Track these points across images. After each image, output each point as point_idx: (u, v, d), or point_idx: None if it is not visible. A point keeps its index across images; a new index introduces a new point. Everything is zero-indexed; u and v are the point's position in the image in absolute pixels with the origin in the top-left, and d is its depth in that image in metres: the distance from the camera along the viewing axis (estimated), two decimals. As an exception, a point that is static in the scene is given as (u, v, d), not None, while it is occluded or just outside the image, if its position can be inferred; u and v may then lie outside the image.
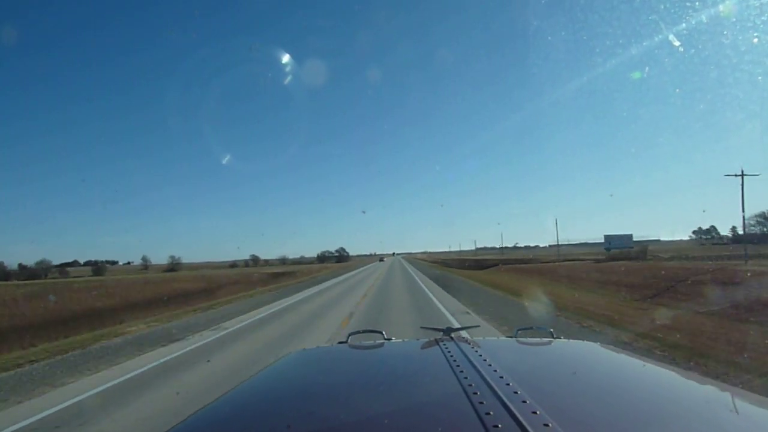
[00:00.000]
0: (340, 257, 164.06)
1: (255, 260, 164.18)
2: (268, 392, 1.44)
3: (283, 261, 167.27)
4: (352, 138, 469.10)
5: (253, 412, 1.22)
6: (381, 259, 75.52)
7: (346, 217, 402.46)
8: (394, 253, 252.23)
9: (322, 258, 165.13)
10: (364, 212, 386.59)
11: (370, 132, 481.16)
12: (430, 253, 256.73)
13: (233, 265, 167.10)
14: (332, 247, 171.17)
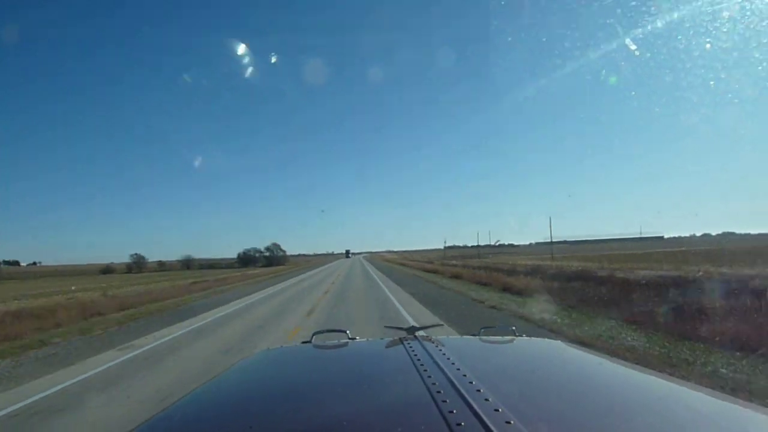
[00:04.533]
0: (272, 258, 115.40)
1: (138, 263, 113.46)
2: (230, 394, 1.43)
3: (187, 264, 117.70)
4: (317, 137, 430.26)
5: (214, 414, 1.23)
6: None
7: (305, 216, 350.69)
8: (348, 253, 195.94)
9: (246, 259, 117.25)
10: (323, 211, 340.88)
11: (335, 132, 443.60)
12: (399, 252, 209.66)
13: (107, 269, 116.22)
14: (295, 245, 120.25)
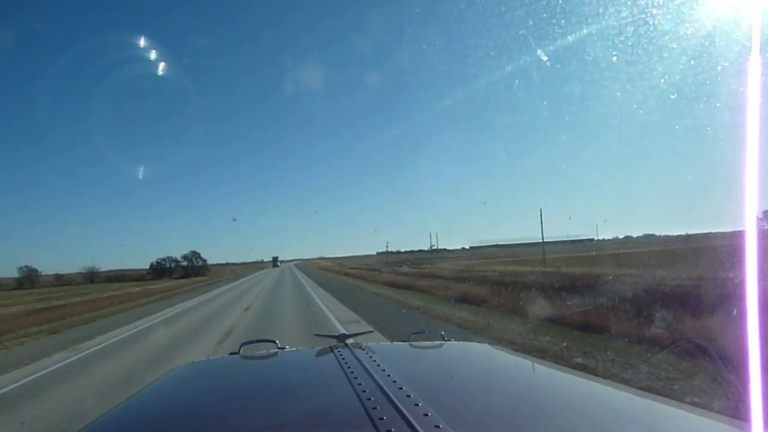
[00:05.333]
0: (190, 268, 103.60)
1: (30, 276, 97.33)
2: (155, 409, 1.40)
3: (91, 276, 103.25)
4: (241, 142, 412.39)
5: (139, 430, 1.21)
6: None
7: (230, 222, 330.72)
8: (276, 260, 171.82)
9: (160, 269, 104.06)
10: (234, 219, 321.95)
11: (258, 137, 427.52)
12: (332, 259, 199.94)
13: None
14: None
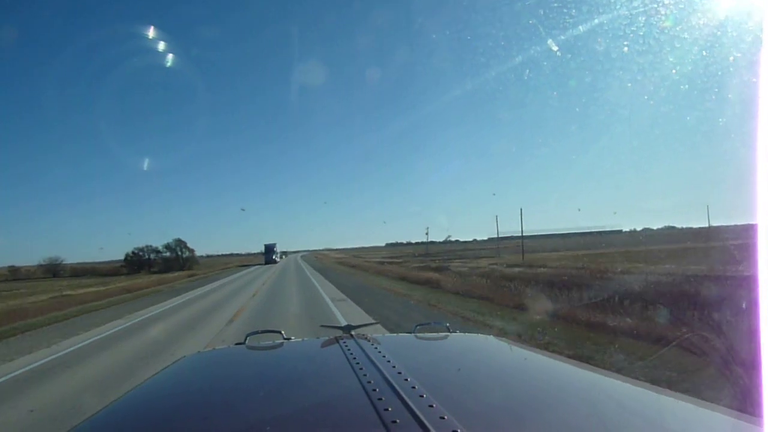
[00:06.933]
0: (173, 260, 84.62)
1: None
2: (161, 399, 1.40)
3: (53, 269, 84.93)
4: (242, 135, 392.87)
5: (144, 420, 1.21)
6: None
7: (229, 211, 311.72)
8: (272, 252, 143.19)
9: (136, 261, 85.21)
10: (243, 209, 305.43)
11: (258, 131, 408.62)
12: (341, 250, 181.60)
13: None
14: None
